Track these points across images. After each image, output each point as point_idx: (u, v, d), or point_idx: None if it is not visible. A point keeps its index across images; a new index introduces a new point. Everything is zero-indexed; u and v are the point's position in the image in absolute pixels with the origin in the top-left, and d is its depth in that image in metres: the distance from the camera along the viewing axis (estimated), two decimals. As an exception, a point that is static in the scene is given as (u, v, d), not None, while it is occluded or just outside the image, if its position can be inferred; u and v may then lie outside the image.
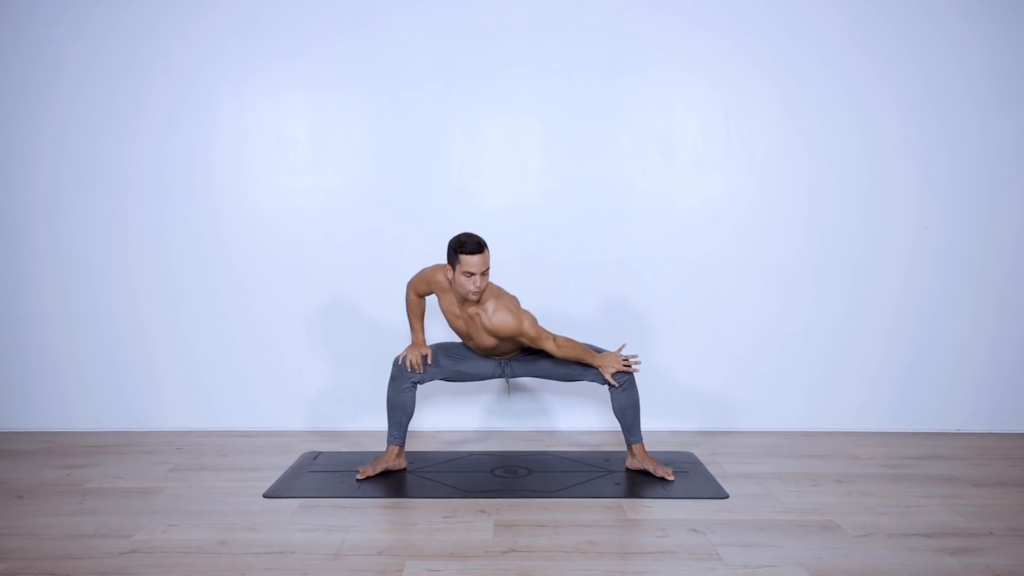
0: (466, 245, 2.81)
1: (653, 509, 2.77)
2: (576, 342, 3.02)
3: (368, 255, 3.81)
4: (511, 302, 2.95)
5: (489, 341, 2.99)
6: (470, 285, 2.82)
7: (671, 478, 3.03)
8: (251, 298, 3.83)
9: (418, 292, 3.13)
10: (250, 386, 3.86)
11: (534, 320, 2.95)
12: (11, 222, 3.80)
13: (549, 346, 2.96)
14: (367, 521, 2.66)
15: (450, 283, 2.93)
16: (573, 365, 3.09)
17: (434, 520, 2.64)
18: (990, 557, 2.35)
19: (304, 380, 3.86)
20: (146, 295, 3.82)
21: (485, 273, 2.83)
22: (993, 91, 3.73)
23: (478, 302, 2.91)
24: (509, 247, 3.67)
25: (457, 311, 3.01)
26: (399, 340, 3.70)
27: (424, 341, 3.17)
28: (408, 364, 3.07)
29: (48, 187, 3.78)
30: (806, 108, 3.76)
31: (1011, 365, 3.82)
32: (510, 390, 3.83)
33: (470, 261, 2.79)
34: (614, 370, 3.02)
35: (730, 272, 3.81)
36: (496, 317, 2.90)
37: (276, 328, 3.84)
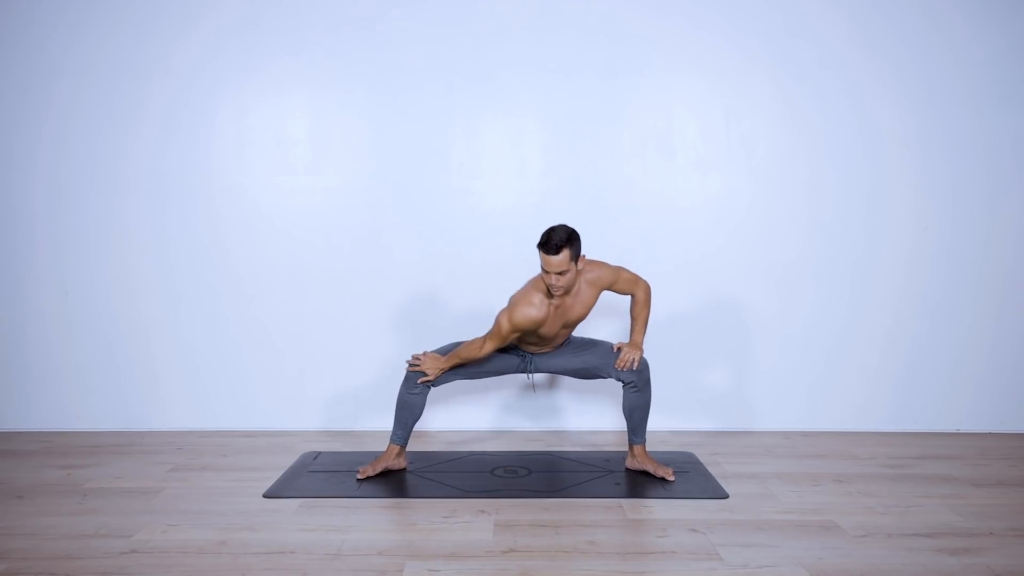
0: (546, 245, 2.78)
1: (653, 509, 2.77)
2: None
3: (368, 255, 3.81)
4: (597, 264, 3.03)
5: (578, 315, 2.99)
6: (548, 280, 2.83)
7: (671, 478, 3.03)
8: (251, 298, 3.83)
9: (504, 343, 2.97)
10: (250, 386, 3.86)
11: (621, 267, 3.07)
12: (11, 222, 3.80)
13: (640, 288, 3.07)
14: (367, 521, 2.66)
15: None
16: (592, 359, 3.09)
17: (434, 520, 2.64)
18: (990, 557, 2.35)
19: (304, 380, 3.86)
20: (146, 295, 3.82)
21: (561, 274, 2.80)
22: (993, 91, 3.73)
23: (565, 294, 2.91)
24: (509, 247, 3.68)
25: (553, 310, 2.92)
26: (399, 340, 3.71)
27: (447, 368, 3.06)
28: (416, 369, 3.04)
29: (48, 187, 3.78)
30: (806, 108, 3.76)
31: (1011, 365, 3.82)
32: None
33: (545, 259, 2.80)
34: (634, 356, 3.01)
35: (730, 272, 3.81)
36: (592, 275, 2.97)
37: (276, 328, 3.84)
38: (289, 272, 3.82)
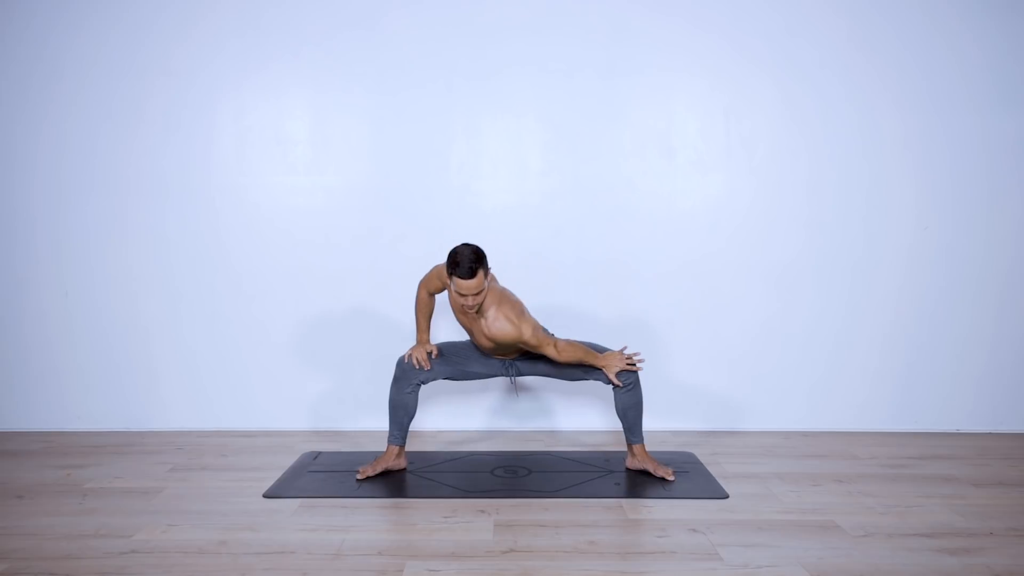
0: (458, 268, 2.73)
1: (653, 509, 2.77)
2: (578, 345, 3.01)
3: (368, 255, 3.82)
4: (512, 310, 2.90)
5: (489, 344, 2.99)
6: (462, 301, 2.81)
7: (671, 478, 3.03)
8: (251, 298, 3.83)
9: (430, 290, 3.09)
10: (250, 386, 3.86)
11: (535, 327, 2.92)
12: (11, 222, 3.80)
13: (550, 352, 2.95)
14: (367, 521, 2.66)
15: None
16: (574, 369, 3.09)
17: (434, 520, 2.64)
18: (990, 557, 2.35)
19: (304, 380, 3.86)
20: (146, 295, 3.82)
21: (478, 294, 2.78)
22: (993, 91, 3.73)
23: (478, 311, 2.90)
24: (509, 247, 3.67)
25: (467, 316, 2.99)
26: (399, 339, 3.70)
27: (429, 341, 3.16)
28: (415, 361, 3.06)
29: (48, 187, 3.78)
30: (806, 108, 3.76)
31: (1011, 365, 3.82)
32: (517, 390, 3.82)
33: (460, 284, 2.75)
34: (618, 369, 3.01)
35: (730, 272, 3.81)
36: (495, 326, 2.88)
37: (276, 328, 3.84)
38: (289, 272, 3.82)
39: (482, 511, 2.72)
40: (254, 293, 3.83)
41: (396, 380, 3.09)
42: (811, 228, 3.80)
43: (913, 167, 3.77)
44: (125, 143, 3.76)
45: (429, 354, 3.10)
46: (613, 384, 3.03)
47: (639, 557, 2.36)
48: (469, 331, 3.07)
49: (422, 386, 3.14)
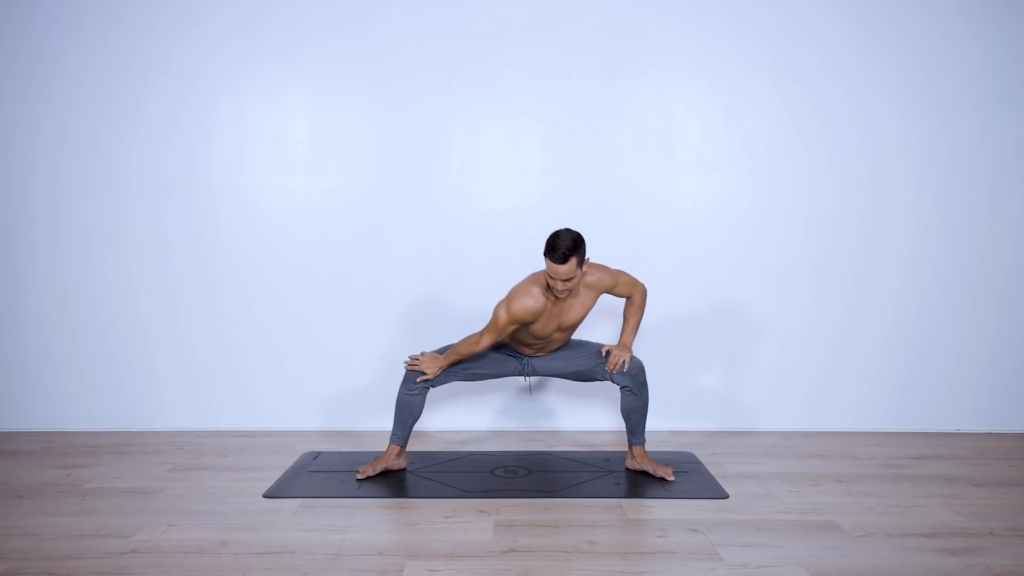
0: (553, 252, 2.75)
1: (653, 509, 2.77)
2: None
3: (368, 255, 3.82)
4: (600, 267, 3.03)
5: (575, 318, 2.98)
6: (554, 285, 2.82)
7: (671, 478, 3.03)
8: (251, 298, 3.83)
9: (500, 339, 2.97)
10: (250, 386, 3.86)
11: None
12: (11, 222, 3.80)
13: (637, 291, 3.08)
14: (367, 521, 2.66)
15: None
16: (587, 362, 3.09)
17: (434, 520, 2.64)
18: (990, 557, 2.35)
19: (304, 380, 3.86)
20: (146, 295, 3.82)
21: (568, 280, 2.79)
22: (993, 91, 3.73)
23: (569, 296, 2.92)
24: (509, 247, 3.68)
25: (551, 307, 2.92)
26: (399, 339, 3.70)
27: (447, 366, 3.05)
28: (415, 368, 3.03)
29: (48, 187, 3.78)
30: (806, 108, 3.76)
31: (1011, 365, 3.82)
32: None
33: (552, 268, 2.78)
34: (623, 358, 3.01)
35: (730, 272, 3.81)
36: (592, 278, 2.98)
37: (276, 328, 3.84)
38: (289, 272, 3.82)
39: (482, 511, 2.72)
40: (254, 293, 3.83)
41: (405, 380, 3.08)
42: (811, 228, 3.80)
43: (913, 167, 3.77)
44: (125, 143, 3.77)
45: (426, 380, 3.04)
46: (610, 373, 3.02)
47: (639, 557, 2.36)
48: (542, 334, 2.97)
49: (432, 388, 3.12)
